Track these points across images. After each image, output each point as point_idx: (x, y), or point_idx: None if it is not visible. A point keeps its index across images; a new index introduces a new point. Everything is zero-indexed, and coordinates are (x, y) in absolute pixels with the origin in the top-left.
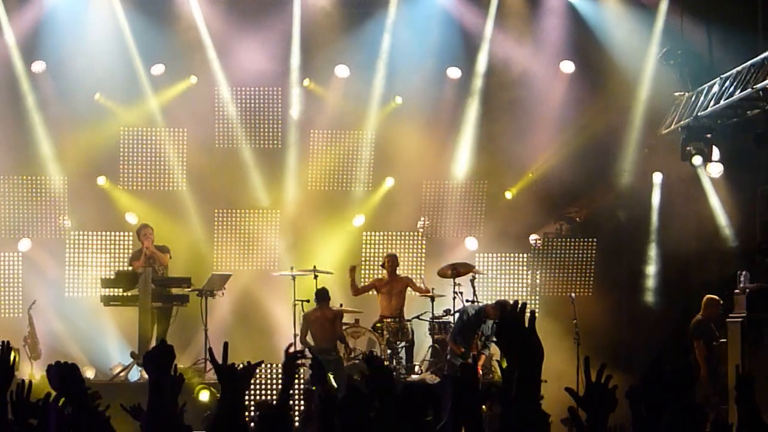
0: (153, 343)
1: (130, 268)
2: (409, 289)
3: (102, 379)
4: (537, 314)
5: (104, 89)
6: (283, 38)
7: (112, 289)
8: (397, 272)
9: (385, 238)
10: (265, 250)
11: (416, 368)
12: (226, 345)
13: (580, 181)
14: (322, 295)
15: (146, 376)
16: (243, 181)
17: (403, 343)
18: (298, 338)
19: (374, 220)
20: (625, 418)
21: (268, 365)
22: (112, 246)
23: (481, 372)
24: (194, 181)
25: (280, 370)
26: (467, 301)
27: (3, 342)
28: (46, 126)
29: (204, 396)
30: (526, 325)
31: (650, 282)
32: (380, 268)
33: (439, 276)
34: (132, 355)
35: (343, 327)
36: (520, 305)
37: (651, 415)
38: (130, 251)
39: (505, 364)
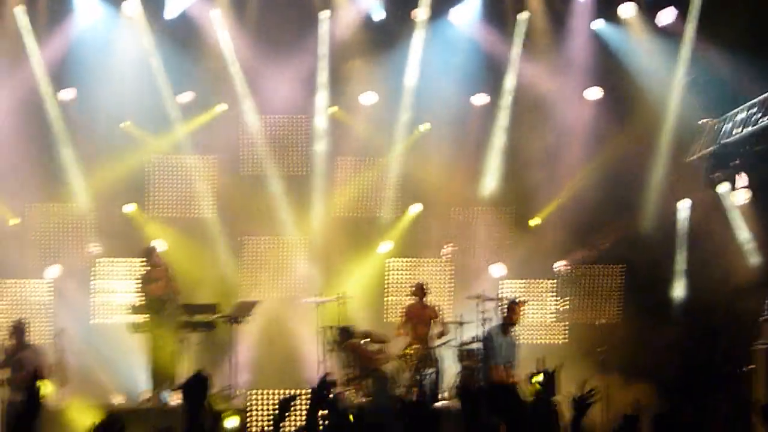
0: (180, 369)
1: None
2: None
3: (130, 405)
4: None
5: (132, 117)
6: (310, 66)
7: (139, 316)
8: (426, 300)
9: (411, 264)
10: (291, 276)
11: (441, 395)
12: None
13: (607, 208)
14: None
15: (172, 403)
16: (270, 209)
17: (431, 370)
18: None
19: (400, 247)
20: None
21: (296, 392)
22: (140, 273)
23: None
24: (222, 209)
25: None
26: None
27: (34, 370)
28: (74, 153)
29: (231, 423)
30: None
31: (677, 309)
32: (411, 295)
33: None
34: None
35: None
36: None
37: None
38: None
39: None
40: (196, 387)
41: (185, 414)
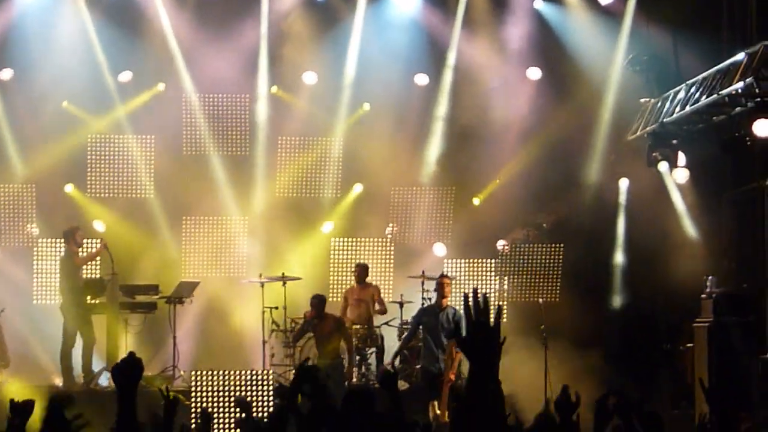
0: (122, 350)
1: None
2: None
3: (71, 386)
4: (504, 311)
5: (72, 97)
6: (250, 45)
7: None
8: (367, 280)
9: (354, 244)
10: (234, 257)
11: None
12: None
13: (548, 187)
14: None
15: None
16: (211, 188)
17: (373, 350)
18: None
19: (343, 227)
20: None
21: (240, 372)
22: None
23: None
24: (162, 189)
25: (250, 378)
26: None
27: None
28: (13, 134)
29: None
30: (492, 319)
31: (617, 287)
32: (353, 275)
33: None
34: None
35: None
36: (482, 297)
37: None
38: (98, 259)
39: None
40: (128, 370)
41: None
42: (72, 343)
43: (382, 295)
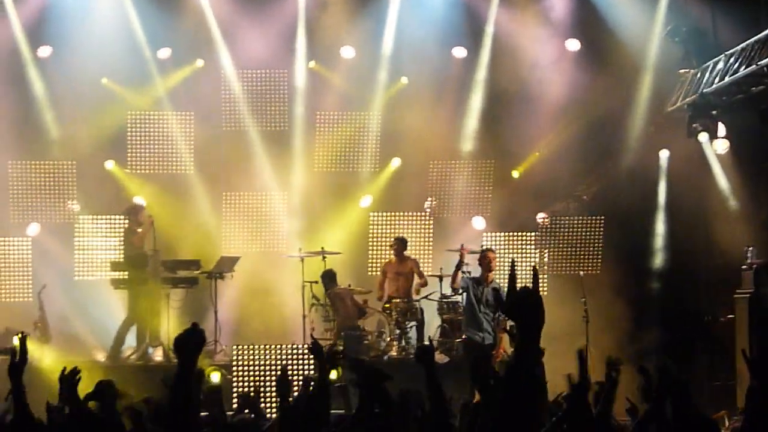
0: (164, 326)
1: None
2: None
3: (112, 361)
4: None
5: (111, 73)
6: (288, 20)
7: (121, 273)
8: (405, 254)
9: (393, 218)
10: (273, 231)
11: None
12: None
13: (587, 159)
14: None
15: (156, 358)
16: (250, 164)
17: (413, 323)
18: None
19: (381, 201)
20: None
21: (280, 346)
22: (121, 229)
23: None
24: (202, 164)
25: (290, 351)
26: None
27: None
28: (53, 111)
29: (214, 377)
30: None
31: (658, 258)
32: (391, 249)
33: None
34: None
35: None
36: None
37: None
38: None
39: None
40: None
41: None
42: (133, 317)
43: (421, 268)
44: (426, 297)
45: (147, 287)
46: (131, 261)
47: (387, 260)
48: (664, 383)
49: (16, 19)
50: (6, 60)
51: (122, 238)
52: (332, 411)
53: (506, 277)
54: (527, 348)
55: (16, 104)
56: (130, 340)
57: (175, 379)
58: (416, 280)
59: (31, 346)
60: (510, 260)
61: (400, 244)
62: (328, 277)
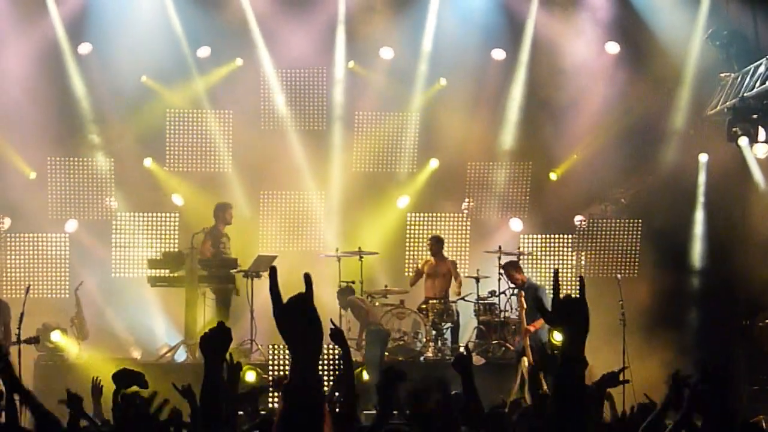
0: (200, 324)
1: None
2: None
3: (148, 359)
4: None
5: (150, 71)
6: (327, 20)
7: (158, 270)
8: (444, 254)
9: (430, 219)
10: (311, 231)
11: (461, 349)
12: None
13: (626, 161)
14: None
15: (192, 357)
16: (288, 163)
17: (449, 325)
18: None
19: (419, 201)
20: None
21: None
22: (159, 227)
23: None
24: (240, 163)
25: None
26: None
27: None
28: (92, 108)
29: (250, 377)
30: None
31: (696, 262)
32: (428, 249)
33: None
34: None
35: (389, 308)
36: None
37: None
38: (177, 232)
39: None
40: (217, 340)
41: (205, 368)
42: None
43: (458, 269)
44: (462, 298)
45: (183, 285)
46: (168, 259)
47: (425, 259)
48: (702, 380)
49: (57, 17)
50: (46, 57)
51: (206, 236)
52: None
53: (547, 282)
54: (573, 356)
55: (56, 101)
56: (167, 338)
57: (204, 379)
58: (455, 282)
59: (68, 343)
60: (552, 267)
61: (437, 243)
62: (342, 293)
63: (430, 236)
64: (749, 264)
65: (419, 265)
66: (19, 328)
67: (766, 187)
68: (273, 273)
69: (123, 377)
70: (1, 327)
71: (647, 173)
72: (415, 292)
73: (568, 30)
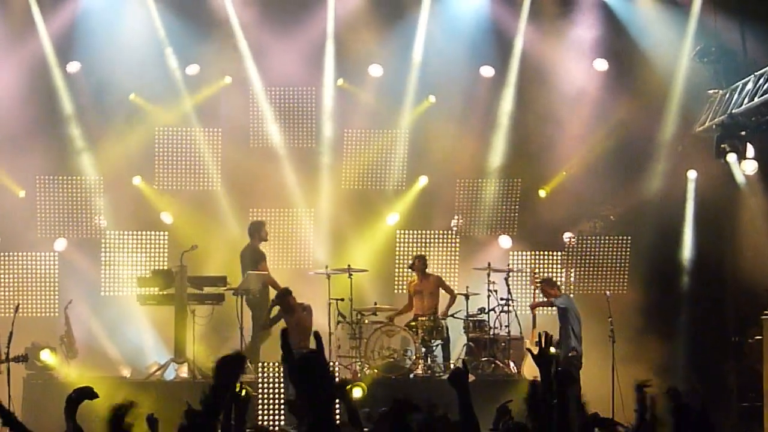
0: (188, 342)
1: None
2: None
3: (138, 377)
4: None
5: (139, 89)
6: (316, 38)
7: (148, 289)
8: (428, 271)
9: (419, 236)
10: (300, 249)
11: (452, 366)
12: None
13: (615, 178)
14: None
15: (182, 375)
16: (277, 181)
17: (438, 342)
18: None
19: (408, 219)
20: None
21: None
22: (148, 245)
23: None
24: (229, 181)
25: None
26: (502, 299)
27: None
28: (81, 126)
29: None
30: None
31: (685, 279)
32: (408, 270)
33: None
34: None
35: (378, 325)
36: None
37: None
38: (166, 250)
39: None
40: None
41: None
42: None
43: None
44: (452, 315)
45: (173, 303)
46: (157, 277)
47: (410, 279)
48: (674, 409)
49: (46, 35)
50: (35, 75)
51: (254, 257)
52: None
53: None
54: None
55: (45, 119)
56: (156, 356)
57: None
58: (442, 299)
59: (57, 362)
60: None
61: (420, 261)
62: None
63: (414, 255)
64: (738, 280)
65: (408, 288)
66: (8, 347)
67: (755, 204)
68: (284, 334)
69: (77, 396)
70: None
71: (636, 190)
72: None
73: (557, 47)
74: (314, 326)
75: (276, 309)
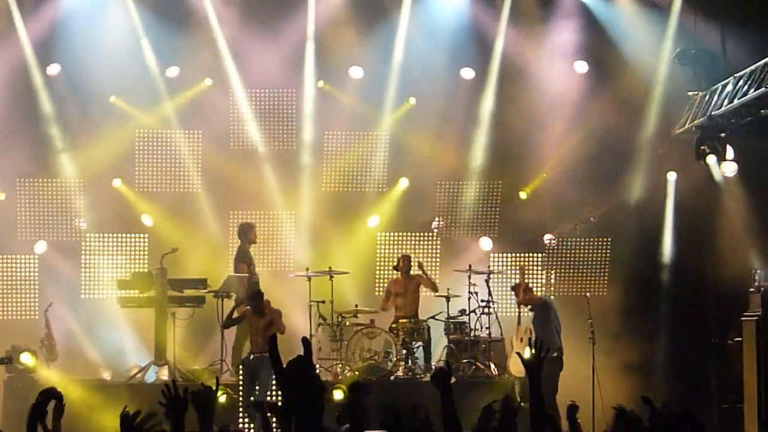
0: (169, 345)
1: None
2: (422, 288)
3: (118, 380)
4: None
5: (120, 91)
6: (297, 40)
7: (128, 291)
8: (411, 273)
9: (400, 238)
10: (281, 251)
11: (433, 368)
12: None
13: (595, 180)
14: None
15: (162, 377)
16: (258, 183)
17: (419, 344)
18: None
19: (389, 221)
20: None
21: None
22: (128, 247)
23: None
24: (209, 183)
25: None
26: (483, 301)
27: None
28: (61, 128)
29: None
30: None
31: (665, 280)
32: (392, 270)
33: None
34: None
35: (359, 328)
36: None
37: None
38: (146, 253)
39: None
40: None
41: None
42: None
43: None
44: (433, 317)
45: (153, 305)
46: (137, 279)
47: (393, 278)
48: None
49: (26, 37)
50: (15, 77)
51: (239, 257)
52: None
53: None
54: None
55: (24, 121)
56: (137, 359)
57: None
58: (428, 288)
59: (38, 364)
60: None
61: (406, 262)
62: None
63: (400, 255)
64: (719, 282)
65: (388, 287)
66: None
67: (734, 205)
68: (272, 340)
69: (43, 398)
70: None
71: (616, 192)
72: (385, 312)
73: (537, 49)
74: (295, 329)
75: (242, 309)
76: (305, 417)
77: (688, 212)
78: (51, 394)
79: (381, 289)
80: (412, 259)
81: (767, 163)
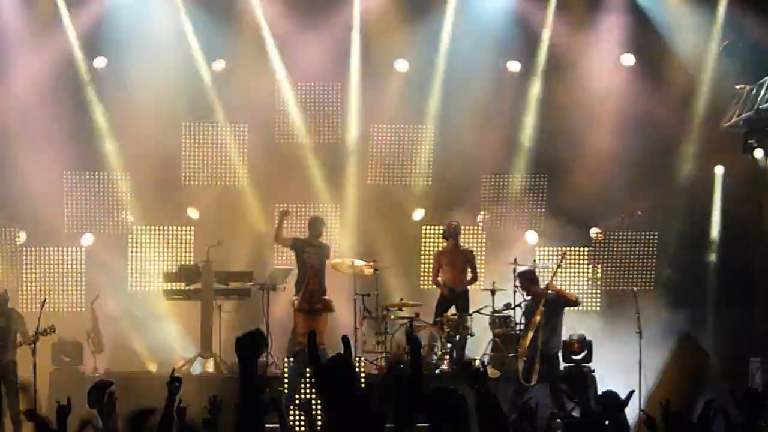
0: (215, 337)
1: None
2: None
3: (164, 372)
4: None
5: (166, 84)
6: (343, 33)
7: (174, 284)
8: (461, 245)
9: None
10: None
11: (477, 362)
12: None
13: (642, 174)
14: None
15: (208, 369)
16: (303, 176)
17: (464, 337)
18: None
19: (434, 214)
20: None
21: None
22: (175, 240)
23: None
24: (255, 176)
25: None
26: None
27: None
28: (108, 121)
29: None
30: None
31: (712, 274)
32: (444, 238)
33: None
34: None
35: (404, 321)
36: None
37: None
38: (192, 245)
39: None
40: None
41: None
42: None
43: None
44: (478, 311)
45: (199, 298)
46: (183, 272)
47: (440, 249)
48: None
49: (72, 31)
50: (62, 71)
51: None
52: None
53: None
54: None
55: (71, 115)
56: (183, 351)
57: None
58: (469, 275)
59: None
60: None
61: (455, 231)
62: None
63: (447, 222)
64: (766, 273)
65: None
66: (34, 343)
67: None
68: (312, 337)
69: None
70: (17, 334)
71: (663, 185)
72: (429, 306)
73: (584, 41)
74: (338, 323)
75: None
76: (345, 417)
77: (735, 206)
78: (103, 385)
79: (426, 283)
80: (460, 227)
81: None
